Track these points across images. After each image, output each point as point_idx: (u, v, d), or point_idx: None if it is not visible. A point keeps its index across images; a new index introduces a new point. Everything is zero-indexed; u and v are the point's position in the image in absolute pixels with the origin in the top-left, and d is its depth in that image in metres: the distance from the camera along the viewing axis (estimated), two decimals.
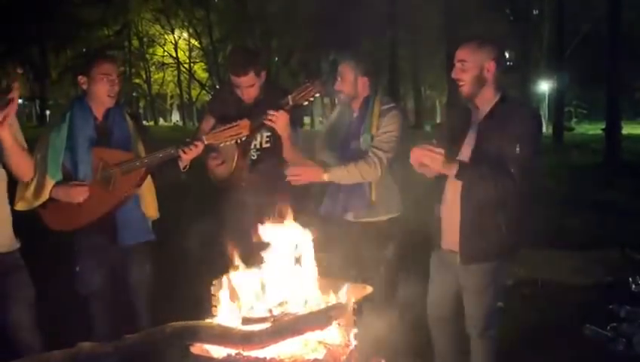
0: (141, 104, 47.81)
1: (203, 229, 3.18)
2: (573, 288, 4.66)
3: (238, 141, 2.84)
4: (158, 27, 38.88)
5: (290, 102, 2.83)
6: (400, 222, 3.03)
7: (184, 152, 2.79)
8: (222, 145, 2.84)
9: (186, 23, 37.43)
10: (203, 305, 2.22)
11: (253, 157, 3.09)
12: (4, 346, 2.45)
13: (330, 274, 2.17)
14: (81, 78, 2.84)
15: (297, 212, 2.14)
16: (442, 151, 2.33)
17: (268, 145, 3.09)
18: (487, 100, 2.54)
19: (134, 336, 1.97)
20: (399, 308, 2.86)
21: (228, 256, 2.18)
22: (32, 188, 2.68)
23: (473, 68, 2.48)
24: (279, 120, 2.82)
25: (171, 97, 48.39)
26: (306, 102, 2.82)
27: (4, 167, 2.46)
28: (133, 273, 2.94)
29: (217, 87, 39.02)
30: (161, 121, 47.98)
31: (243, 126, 2.78)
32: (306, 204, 2.90)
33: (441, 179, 2.65)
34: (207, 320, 2.03)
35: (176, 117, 49.50)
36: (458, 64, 2.51)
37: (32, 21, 30.83)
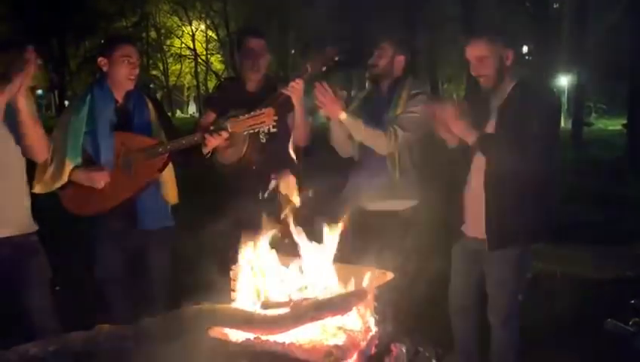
0: (158, 95, 48.11)
1: (218, 215, 3.17)
2: (595, 282, 4.59)
3: (263, 129, 2.84)
4: (175, 19, 39.04)
5: (309, 70, 2.85)
6: (420, 211, 3.00)
7: (208, 139, 2.78)
8: (245, 133, 2.83)
9: (203, 15, 37.52)
10: (220, 290, 2.21)
11: (263, 141, 3.07)
12: (22, 329, 2.45)
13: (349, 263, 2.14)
14: (102, 60, 2.84)
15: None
16: (462, 109, 2.41)
17: (275, 130, 3.08)
18: (504, 87, 2.56)
19: (153, 319, 1.96)
20: (419, 297, 2.82)
21: (240, 241, 2.16)
22: (50, 170, 2.68)
23: (493, 61, 2.50)
24: (297, 88, 2.80)
25: (188, 89, 48.58)
26: (324, 69, 2.82)
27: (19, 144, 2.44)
28: (152, 258, 2.94)
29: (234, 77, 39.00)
30: (178, 113, 48.26)
31: (268, 114, 2.76)
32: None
33: (464, 167, 2.64)
34: (226, 304, 2.01)
35: (192, 108, 49.72)
36: (475, 61, 2.52)
37: (51, 12, 31.17)
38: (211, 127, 2.83)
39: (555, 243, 4.88)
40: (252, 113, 2.79)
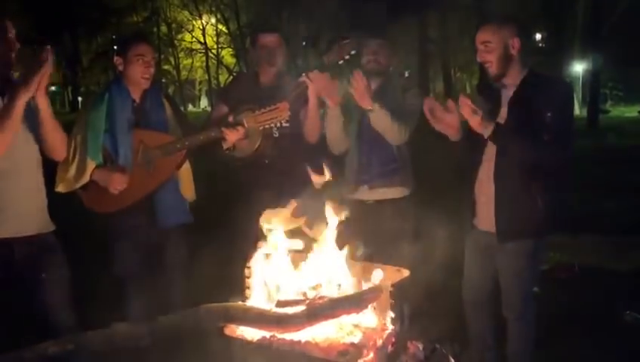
0: (170, 90, 48.31)
1: (233, 210, 3.18)
2: (611, 273, 4.54)
3: (278, 124, 2.85)
4: (186, 13, 39.10)
5: (327, 62, 2.91)
6: (414, 200, 3.14)
7: (226, 134, 2.79)
8: (260, 128, 2.83)
9: (213, 9, 37.53)
10: (236, 286, 2.21)
11: (276, 135, 3.08)
12: (40, 328, 2.47)
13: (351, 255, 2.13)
14: (117, 60, 2.85)
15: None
16: (482, 106, 2.41)
17: (287, 124, 3.08)
18: (514, 77, 2.54)
19: (168, 317, 1.97)
20: (426, 287, 2.82)
21: (254, 237, 2.15)
22: (73, 169, 2.70)
23: (498, 47, 2.48)
24: (317, 79, 2.83)
25: (200, 83, 48.73)
26: (342, 61, 2.89)
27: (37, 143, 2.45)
28: (170, 255, 2.95)
29: (245, 71, 39.19)
30: (190, 107, 48.44)
31: (282, 108, 2.77)
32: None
33: (474, 160, 2.62)
34: (241, 302, 2.01)
35: (204, 102, 49.86)
36: (481, 46, 2.52)
37: (63, 8, 31.41)
38: (228, 122, 2.83)
39: (570, 233, 4.86)
40: (267, 108, 2.79)
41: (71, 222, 2.78)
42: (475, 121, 2.40)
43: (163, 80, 43.14)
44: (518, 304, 2.59)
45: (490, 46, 2.49)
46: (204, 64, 41.51)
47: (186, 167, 2.97)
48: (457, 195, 2.82)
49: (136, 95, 2.88)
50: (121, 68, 2.84)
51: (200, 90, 50.59)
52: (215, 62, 40.47)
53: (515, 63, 2.51)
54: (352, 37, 2.95)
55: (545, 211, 2.48)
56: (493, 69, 2.53)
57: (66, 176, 2.70)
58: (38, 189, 2.46)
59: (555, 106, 2.40)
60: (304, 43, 39.29)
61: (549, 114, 2.38)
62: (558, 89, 2.51)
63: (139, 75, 2.81)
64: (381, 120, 2.94)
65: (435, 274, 2.80)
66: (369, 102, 2.87)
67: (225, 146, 2.89)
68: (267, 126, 2.83)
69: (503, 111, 2.57)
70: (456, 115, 2.50)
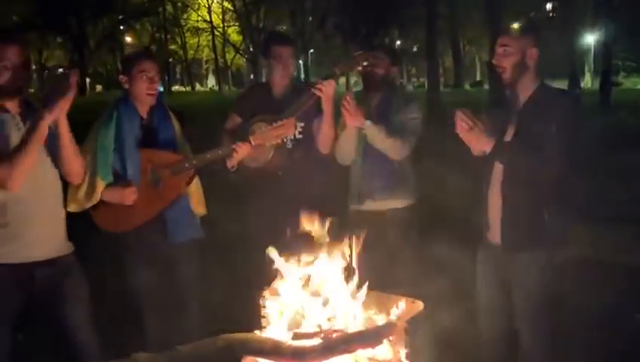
0: (177, 70, 48.18)
1: (245, 223, 3.21)
2: (623, 267, 4.47)
3: (285, 140, 2.85)
4: None
5: (338, 72, 2.94)
6: (417, 210, 3.17)
7: (232, 153, 2.80)
8: (268, 144, 2.83)
9: None
10: (248, 302, 2.24)
11: (289, 146, 3.08)
12: (63, 348, 2.53)
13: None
14: (123, 78, 2.84)
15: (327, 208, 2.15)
16: (482, 123, 2.39)
17: (301, 136, 3.07)
18: (526, 87, 2.53)
19: (186, 347, 2.00)
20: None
21: (267, 254, 2.17)
22: (83, 189, 2.72)
23: (515, 54, 2.48)
24: (328, 88, 2.85)
25: (206, 62, 48.55)
26: (352, 71, 3.02)
27: (57, 167, 2.48)
28: (183, 270, 2.97)
29: (251, 49, 38.98)
30: (198, 87, 48.31)
31: (289, 125, 2.76)
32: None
33: (485, 172, 2.62)
34: (258, 333, 2.05)
35: (212, 81, 49.70)
36: (500, 50, 2.51)
37: None
38: (235, 142, 2.83)
39: (581, 223, 4.79)
40: (274, 125, 2.78)
41: (86, 238, 2.82)
42: (471, 139, 2.41)
43: (170, 60, 43.07)
44: (530, 318, 2.59)
45: (509, 50, 2.49)
46: (211, 43, 41.32)
47: (196, 181, 2.97)
48: (468, 205, 2.82)
49: (143, 112, 2.88)
50: (126, 86, 2.83)
51: (207, 68, 50.42)
52: (221, 40, 40.20)
53: (529, 73, 2.51)
54: (364, 49, 2.95)
55: (551, 224, 2.48)
56: (506, 75, 2.53)
57: (76, 196, 2.72)
58: (58, 214, 2.49)
59: (561, 121, 2.39)
60: (310, 18, 38.91)
61: (553, 126, 2.38)
62: (566, 105, 2.49)
63: (143, 90, 2.80)
64: (376, 138, 2.97)
65: (438, 285, 2.82)
66: (361, 121, 2.91)
67: (229, 165, 2.89)
68: (274, 143, 2.83)
69: (512, 123, 2.57)
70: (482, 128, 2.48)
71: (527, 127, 2.47)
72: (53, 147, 2.37)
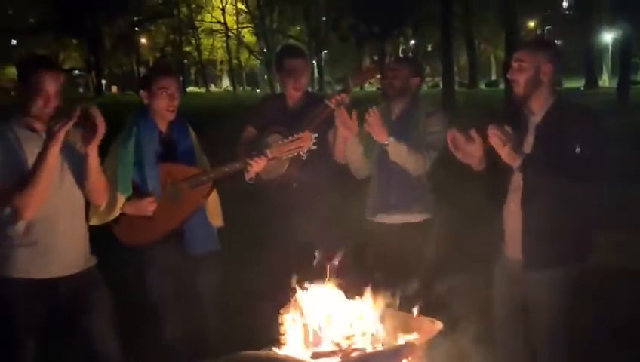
0: (192, 71, 48.51)
1: (263, 235, 3.22)
2: None
3: (302, 153, 2.85)
4: None
5: (351, 85, 2.91)
6: (434, 224, 3.07)
7: (249, 166, 2.81)
8: (284, 157, 2.84)
9: None
10: (266, 313, 2.25)
11: (304, 157, 3.07)
12: (86, 358, 2.56)
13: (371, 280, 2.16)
14: (143, 93, 2.87)
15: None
16: (511, 136, 2.31)
17: (315, 146, 3.07)
18: (541, 104, 2.49)
19: None
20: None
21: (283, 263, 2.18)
22: (104, 203, 2.76)
23: (529, 68, 2.45)
24: (341, 101, 2.84)
25: (221, 63, 48.81)
26: (366, 84, 2.92)
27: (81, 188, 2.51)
28: (201, 282, 2.98)
29: (265, 50, 39.13)
30: (212, 87, 48.58)
31: (305, 138, 2.76)
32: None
33: (501, 187, 2.59)
34: (277, 351, 2.05)
35: (226, 82, 49.96)
36: (515, 64, 2.48)
37: None
38: (252, 154, 2.84)
39: (602, 229, 4.70)
40: (290, 138, 2.79)
41: (107, 246, 2.84)
42: (505, 152, 2.36)
43: (185, 61, 43.38)
44: (548, 335, 2.55)
45: (523, 65, 2.46)
46: (225, 44, 41.55)
47: (213, 193, 3.00)
48: (485, 220, 2.80)
49: (162, 126, 2.91)
50: (146, 101, 2.86)
51: (221, 70, 50.67)
52: (235, 42, 40.42)
53: (543, 89, 2.47)
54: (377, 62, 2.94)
55: (575, 243, 2.45)
56: (518, 89, 2.50)
57: (98, 211, 2.75)
58: (81, 230, 2.52)
59: (585, 139, 2.35)
60: (324, 18, 38.95)
61: (577, 147, 2.34)
62: (587, 121, 2.44)
63: (164, 107, 2.83)
64: (398, 154, 2.92)
65: (456, 303, 2.79)
66: (385, 136, 2.87)
67: (247, 177, 2.90)
68: (291, 155, 2.84)
69: (530, 139, 2.52)
70: (480, 145, 2.45)
71: (546, 146, 2.41)
72: (77, 167, 2.39)
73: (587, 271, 3.62)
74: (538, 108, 2.50)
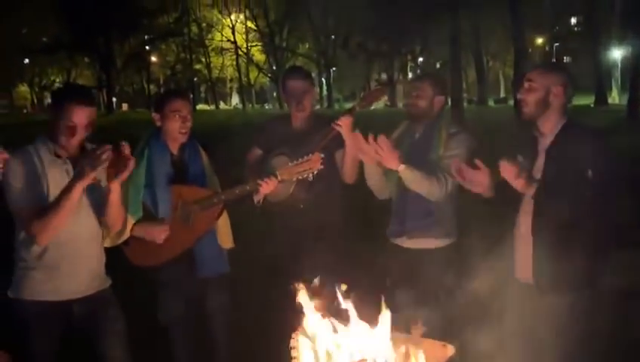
0: (202, 89, 48.97)
1: (271, 257, 3.22)
2: None
3: (311, 175, 2.86)
4: (215, 12, 39.59)
5: (357, 108, 2.92)
6: (457, 249, 2.98)
7: (259, 187, 2.82)
8: (294, 179, 2.85)
9: (242, 7, 37.92)
10: (276, 333, 2.24)
11: (310, 179, 3.07)
12: None
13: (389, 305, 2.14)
14: (155, 115, 2.90)
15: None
16: (523, 167, 2.35)
17: (322, 166, 3.08)
18: (551, 126, 2.49)
19: None
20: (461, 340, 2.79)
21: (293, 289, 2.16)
22: (118, 229, 2.77)
23: (539, 90, 2.45)
24: (345, 123, 2.85)
25: (230, 81, 49.25)
26: (371, 107, 2.88)
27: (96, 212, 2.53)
28: (211, 304, 2.99)
29: (274, 68, 39.45)
30: (222, 105, 48.94)
31: (315, 160, 2.77)
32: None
33: (511, 211, 2.58)
34: None
35: (235, 99, 50.33)
36: (526, 84, 2.49)
37: (96, 12, 32.11)
38: (262, 176, 2.85)
39: (617, 249, 4.63)
40: (300, 160, 2.81)
41: (120, 270, 2.85)
42: (519, 184, 2.35)
43: (195, 79, 43.80)
44: (559, 357, 2.54)
45: (533, 86, 2.47)
46: (235, 62, 41.95)
47: (224, 215, 3.01)
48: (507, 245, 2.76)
49: (174, 148, 2.93)
50: (159, 124, 2.89)
51: (231, 87, 51.11)
52: (245, 60, 40.83)
53: (553, 111, 2.47)
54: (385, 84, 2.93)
55: (586, 266, 2.43)
56: (527, 109, 2.50)
57: (110, 234, 2.78)
58: (97, 253, 2.54)
59: (596, 163, 2.33)
60: (333, 37, 39.27)
61: (589, 171, 2.33)
62: (597, 145, 2.42)
63: (176, 130, 2.86)
64: (411, 180, 2.83)
65: (471, 327, 2.77)
66: (395, 163, 2.77)
67: (256, 199, 2.91)
68: (300, 177, 2.86)
69: (540, 161, 2.52)
70: (487, 173, 2.45)
71: (556, 169, 2.40)
72: (95, 197, 2.42)
73: (601, 293, 3.57)
74: (548, 131, 2.50)
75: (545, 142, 2.52)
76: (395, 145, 2.91)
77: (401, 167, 2.78)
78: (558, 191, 2.35)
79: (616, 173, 2.44)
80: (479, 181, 2.48)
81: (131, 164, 2.29)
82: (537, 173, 2.49)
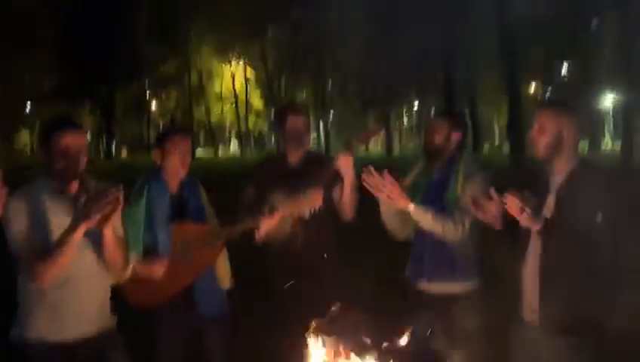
0: (201, 134, 49.36)
1: (270, 295, 3.21)
2: None
3: (312, 211, 2.87)
4: (215, 61, 40.40)
5: (356, 144, 2.94)
6: (479, 292, 2.88)
7: (260, 224, 2.85)
8: (295, 215, 2.88)
9: (242, 56, 38.78)
10: None
11: (306, 218, 3.07)
12: None
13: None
14: (156, 151, 2.96)
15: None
16: (530, 201, 2.31)
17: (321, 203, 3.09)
18: (562, 165, 2.50)
19: None
20: None
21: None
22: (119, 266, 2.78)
23: (550, 133, 2.47)
24: (346, 161, 2.86)
25: (230, 126, 49.72)
26: (368, 143, 2.92)
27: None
28: (210, 344, 3.00)
29: (273, 113, 39.96)
30: (221, 149, 49.19)
31: (316, 198, 2.81)
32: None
33: (518, 250, 2.59)
34: None
35: (234, 144, 50.70)
36: (536, 125, 2.50)
37: (100, 60, 32.71)
38: (263, 211, 2.86)
39: (627, 292, 4.49)
40: (301, 197, 2.84)
41: (128, 307, 2.82)
42: (523, 219, 2.36)
43: (193, 126, 44.20)
44: None
45: (543, 129, 2.47)
46: (234, 109, 42.51)
47: (223, 254, 3.03)
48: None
49: (174, 185, 2.98)
50: (159, 161, 2.95)
51: (230, 133, 51.56)
52: (244, 106, 41.43)
53: (565, 151, 2.47)
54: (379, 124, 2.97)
55: (593, 309, 2.38)
56: (539, 151, 2.51)
57: (112, 272, 2.78)
58: (100, 291, 2.52)
59: (608, 206, 2.33)
60: (330, 82, 39.87)
61: (599, 214, 2.32)
62: (609, 187, 2.42)
63: (177, 166, 2.93)
64: (423, 220, 2.75)
65: None
66: (404, 202, 2.72)
67: (257, 237, 2.92)
68: (300, 214, 2.88)
69: (551, 200, 2.51)
70: (499, 204, 2.43)
71: (566, 210, 2.40)
72: (94, 234, 2.37)
73: (608, 336, 3.47)
74: (560, 169, 2.50)
75: (556, 180, 2.51)
76: (410, 187, 2.87)
77: (411, 207, 2.72)
78: (567, 233, 2.34)
79: (627, 217, 2.41)
80: (491, 211, 2.48)
81: (119, 208, 2.24)
82: (547, 211, 2.46)
